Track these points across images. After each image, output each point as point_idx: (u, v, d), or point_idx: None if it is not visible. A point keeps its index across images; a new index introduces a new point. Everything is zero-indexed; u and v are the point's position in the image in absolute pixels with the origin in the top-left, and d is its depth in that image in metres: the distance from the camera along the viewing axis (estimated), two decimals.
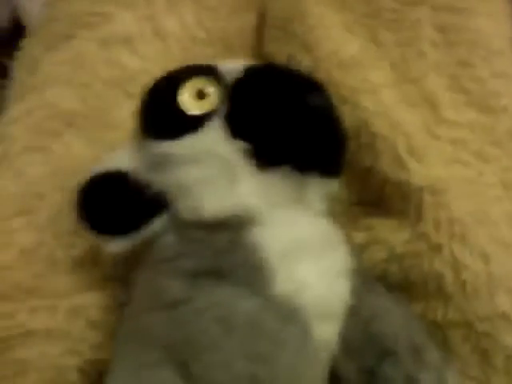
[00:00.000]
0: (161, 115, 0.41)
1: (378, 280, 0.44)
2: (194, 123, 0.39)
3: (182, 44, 0.50)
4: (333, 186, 0.42)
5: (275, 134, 0.39)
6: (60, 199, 0.46)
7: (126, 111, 0.48)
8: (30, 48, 0.55)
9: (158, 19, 0.50)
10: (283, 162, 0.39)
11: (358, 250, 0.44)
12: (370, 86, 0.45)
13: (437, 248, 0.43)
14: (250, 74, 0.40)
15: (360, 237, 0.46)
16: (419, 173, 0.44)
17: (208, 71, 0.41)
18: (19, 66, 0.54)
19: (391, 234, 0.44)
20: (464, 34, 0.47)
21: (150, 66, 0.49)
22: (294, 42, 0.48)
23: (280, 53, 0.49)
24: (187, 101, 0.40)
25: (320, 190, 0.41)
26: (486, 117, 0.46)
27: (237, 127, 0.39)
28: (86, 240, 0.45)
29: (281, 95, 0.39)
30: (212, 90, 0.40)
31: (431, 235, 0.43)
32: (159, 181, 0.40)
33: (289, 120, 0.39)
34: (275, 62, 0.43)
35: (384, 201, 0.45)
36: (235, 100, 0.39)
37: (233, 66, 0.41)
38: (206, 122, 0.39)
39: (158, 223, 0.41)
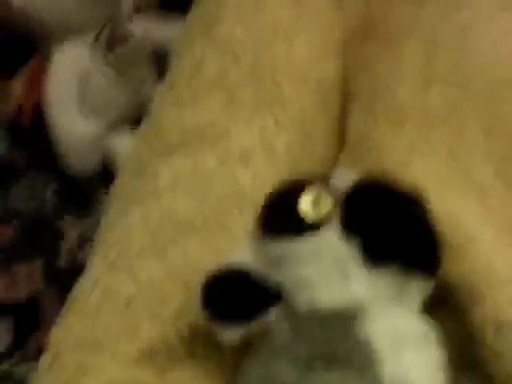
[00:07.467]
0: (282, 220, 0.47)
1: None
2: (312, 227, 0.46)
3: (288, 162, 0.56)
4: (429, 285, 0.47)
5: (383, 236, 0.45)
6: (182, 297, 0.51)
7: (239, 224, 0.53)
8: (137, 155, 0.61)
9: (269, 138, 0.56)
10: (389, 261, 0.45)
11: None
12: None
13: None
14: (361, 186, 0.46)
15: None
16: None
17: (323, 182, 0.47)
18: (125, 170, 0.62)
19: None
20: None
21: (261, 183, 0.55)
22: (362, 162, 0.55)
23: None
24: (307, 208, 0.46)
25: (418, 288, 0.46)
26: None
27: (351, 230, 0.45)
28: (205, 335, 0.49)
29: (389, 205, 0.46)
30: (328, 198, 0.46)
31: None
32: (276, 275, 0.46)
33: (395, 226, 0.45)
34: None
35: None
36: (349, 207, 0.46)
37: (343, 177, 0.48)
38: (321, 226, 0.46)
39: (273, 313, 0.46)
